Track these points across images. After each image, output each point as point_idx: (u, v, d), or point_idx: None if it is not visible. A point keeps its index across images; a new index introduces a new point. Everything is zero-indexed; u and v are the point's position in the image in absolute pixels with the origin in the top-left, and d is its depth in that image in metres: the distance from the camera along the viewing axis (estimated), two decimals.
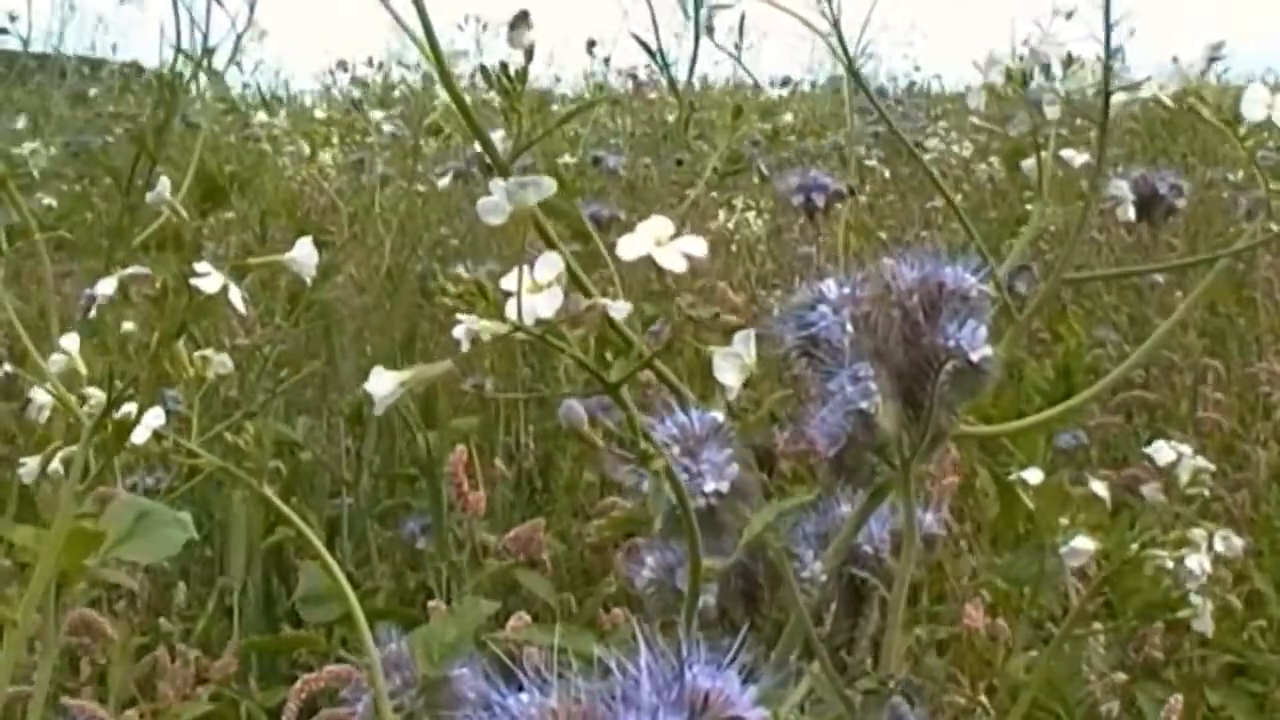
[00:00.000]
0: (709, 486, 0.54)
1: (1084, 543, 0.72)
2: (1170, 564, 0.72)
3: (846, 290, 0.55)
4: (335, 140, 3.17)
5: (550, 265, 0.46)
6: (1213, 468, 0.85)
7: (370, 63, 3.51)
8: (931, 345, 0.53)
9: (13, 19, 2.01)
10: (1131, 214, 0.77)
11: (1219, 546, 0.73)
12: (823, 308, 0.55)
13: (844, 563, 0.60)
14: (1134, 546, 0.74)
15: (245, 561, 1.38)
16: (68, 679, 1.09)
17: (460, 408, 1.71)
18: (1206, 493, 0.81)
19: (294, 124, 3.21)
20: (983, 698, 0.93)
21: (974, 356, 0.53)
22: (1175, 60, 0.72)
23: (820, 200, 1.40)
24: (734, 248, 2.39)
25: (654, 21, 0.92)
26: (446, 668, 0.58)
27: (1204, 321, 1.93)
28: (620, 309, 0.47)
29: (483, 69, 0.54)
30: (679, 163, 2.45)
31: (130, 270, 0.54)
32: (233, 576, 1.36)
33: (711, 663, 0.33)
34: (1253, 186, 0.74)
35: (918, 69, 5.55)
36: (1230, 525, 1.25)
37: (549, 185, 0.46)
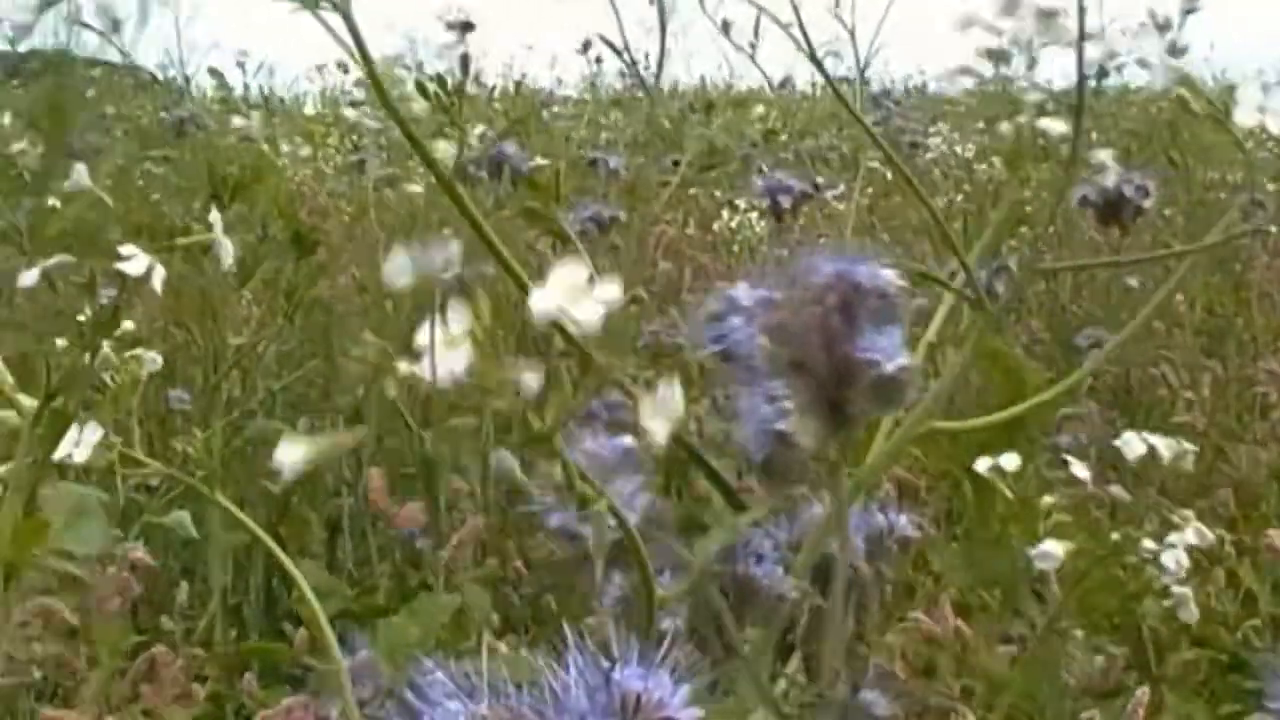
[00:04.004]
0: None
1: (1054, 547, 0.71)
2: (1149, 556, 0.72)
3: (761, 294, 0.53)
4: (334, 141, 3.17)
5: (460, 318, 0.43)
6: (1194, 448, 0.84)
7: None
8: (848, 356, 0.51)
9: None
10: (1113, 180, 0.76)
11: (1191, 539, 0.72)
12: (734, 318, 0.53)
13: (816, 570, 0.58)
14: (1113, 537, 0.73)
15: (226, 563, 1.39)
16: (67, 677, 1.09)
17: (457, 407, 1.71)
18: (1193, 479, 0.81)
19: (292, 124, 3.22)
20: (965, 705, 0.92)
21: (889, 368, 0.51)
22: (1152, 15, 0.69)
23: (787, 202, 1.42)
24: (735, 248, 2.39)
25: (619, 20, 0.92)
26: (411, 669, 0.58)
27: (1201, 321, 1.93)
28: (532, 381, 0.45)
29: (418, 84, 0.52)
30: (674, 163, 2.45)
31: (55, 260, 0.54)
32: (215, 577, 1.37)
33: (642, 665, 0.33)
34: (1248, 187, 0.73)
35: (922, 71, 5.54)
36: (1223, 524, 1.26)
37: (454, 254, 0.44)
